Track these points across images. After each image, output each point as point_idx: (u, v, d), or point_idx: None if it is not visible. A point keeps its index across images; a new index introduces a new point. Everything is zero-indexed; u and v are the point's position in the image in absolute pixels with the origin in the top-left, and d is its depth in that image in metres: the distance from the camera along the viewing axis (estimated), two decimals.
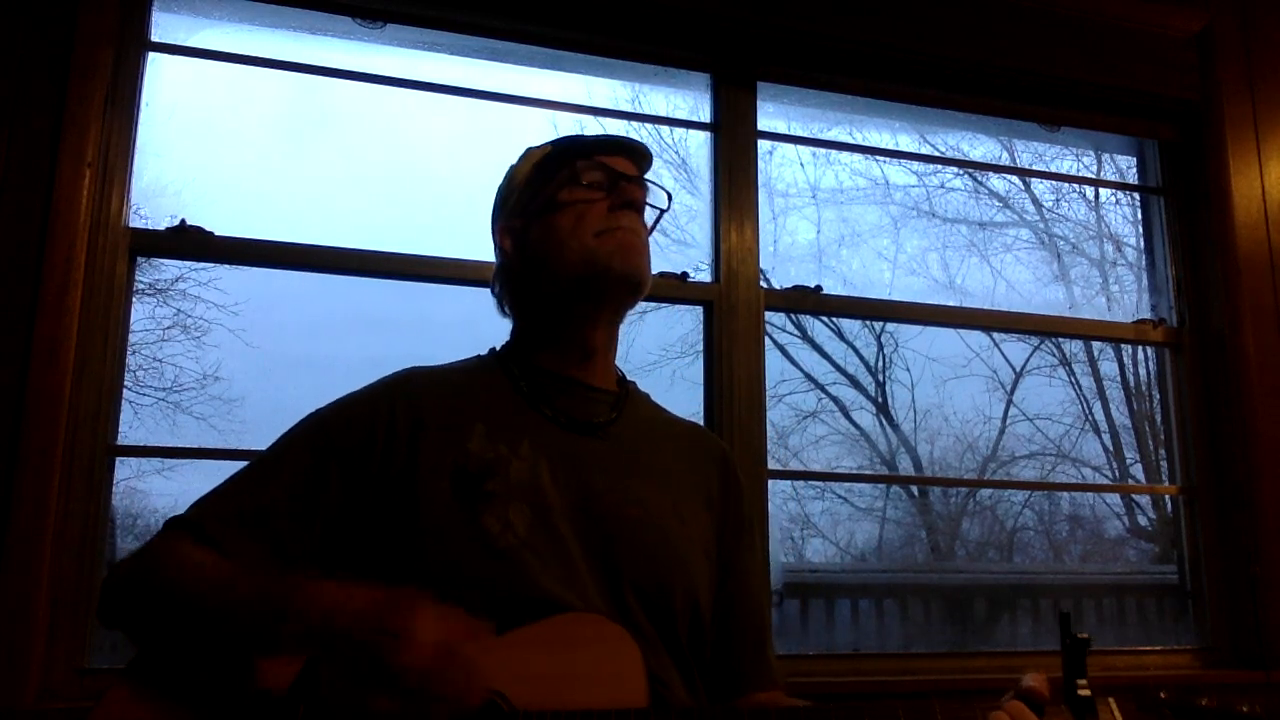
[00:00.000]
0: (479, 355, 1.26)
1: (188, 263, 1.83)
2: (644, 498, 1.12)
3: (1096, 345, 3.18)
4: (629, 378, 1.28)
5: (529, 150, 1.27)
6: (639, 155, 1.23)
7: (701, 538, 1.17)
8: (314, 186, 1.97)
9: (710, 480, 1.23)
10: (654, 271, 1.23)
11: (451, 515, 1.05)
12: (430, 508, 1.05)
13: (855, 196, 2.44)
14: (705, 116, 2.13)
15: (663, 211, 1.26)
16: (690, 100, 2.17)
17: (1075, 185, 2.77)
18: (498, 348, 1.25)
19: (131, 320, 1.73)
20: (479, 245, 1.89)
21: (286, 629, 0.89)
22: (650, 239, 1.24)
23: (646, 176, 1.24)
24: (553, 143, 1.25)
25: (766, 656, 1.20)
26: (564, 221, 1.16)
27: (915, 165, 2.48)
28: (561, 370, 1.18)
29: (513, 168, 1.28)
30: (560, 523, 1.07)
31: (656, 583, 1.08)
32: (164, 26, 1.83)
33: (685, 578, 1.11)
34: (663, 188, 1.25)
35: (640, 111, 2.17)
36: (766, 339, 2.02)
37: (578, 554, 1.06)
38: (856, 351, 3.29)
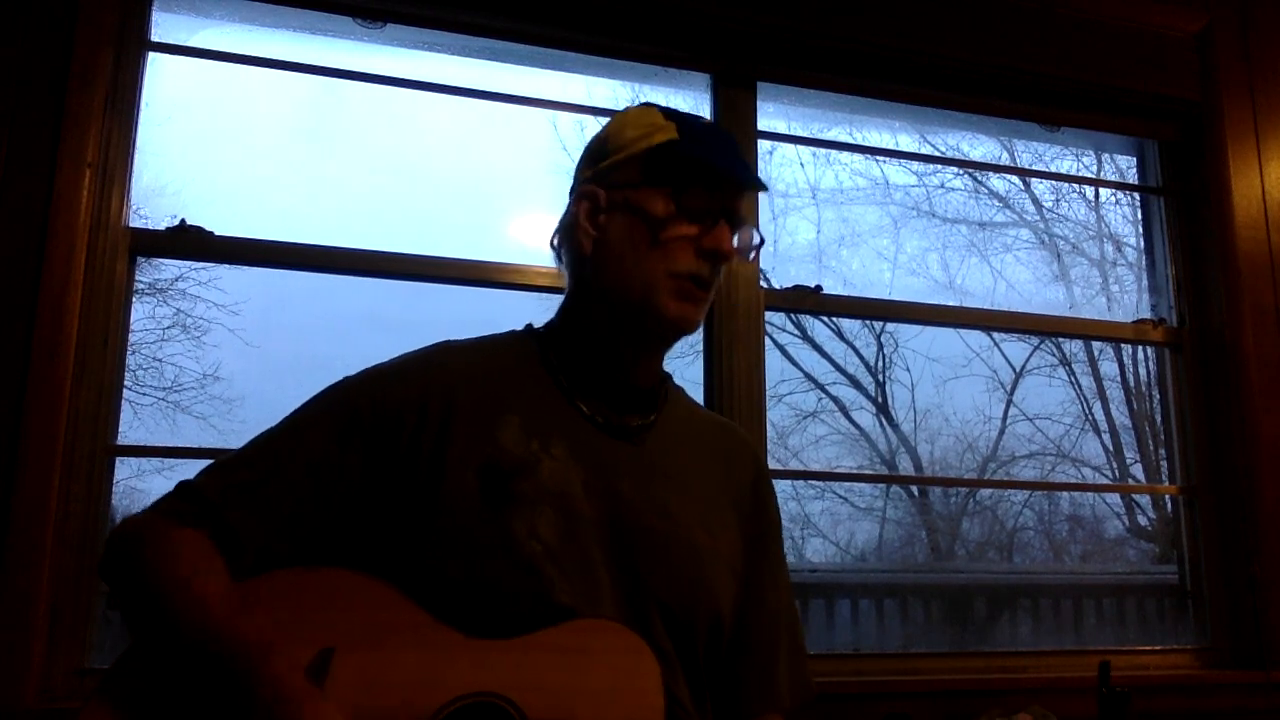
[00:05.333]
0: (514, 331, 1.19)
1: (188, 263, 1.83)
2: (674, 510, 1.08)
3: (1096, 345, 3.18)
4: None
5: (649, 110, 1.13)
6: (751, 191, 1.15)
7: (729, 551, 1.12)
8: (314, 186, 1.97)
9: (742, 488, 1.18)
10: None
11: (477, 515, 1.00)
12: (455, 504, 1.00)
13: (855, 196, 2.44)
14: (705, 116, 2.12)
15: (737, 253, 1.13)
16: (690, 100, 2.17)
17: (1075, 185, 2.77)
18: (536, 326, 1.19)
19: (131, 320, 1.73)
20: (479, 245, 1.91)
21: (235, 700, 0.85)
22: None
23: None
24: (680, 133, 1.10)
25: (775, 676, 1.15)
26: (647, 243, 1.06)
27: (915, 165, 2.48)
28: (603, 371, 1.12)
29: (622, 120, 1.14)
30: (588, 534, 1.02)
31: (681, 601, 1.04)
32: (164, 26, 1.83)
33: (711, 596, 1.07)
34: (759, 232, 1.17)
35: None
36: (766, 339, 2.02)
37: (602, 568, 1.02)
38: (856, 351, 3.29)
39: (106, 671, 0.95)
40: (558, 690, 0.93)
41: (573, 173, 1.18)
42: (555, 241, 1.16)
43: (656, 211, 1.07)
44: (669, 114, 1.13)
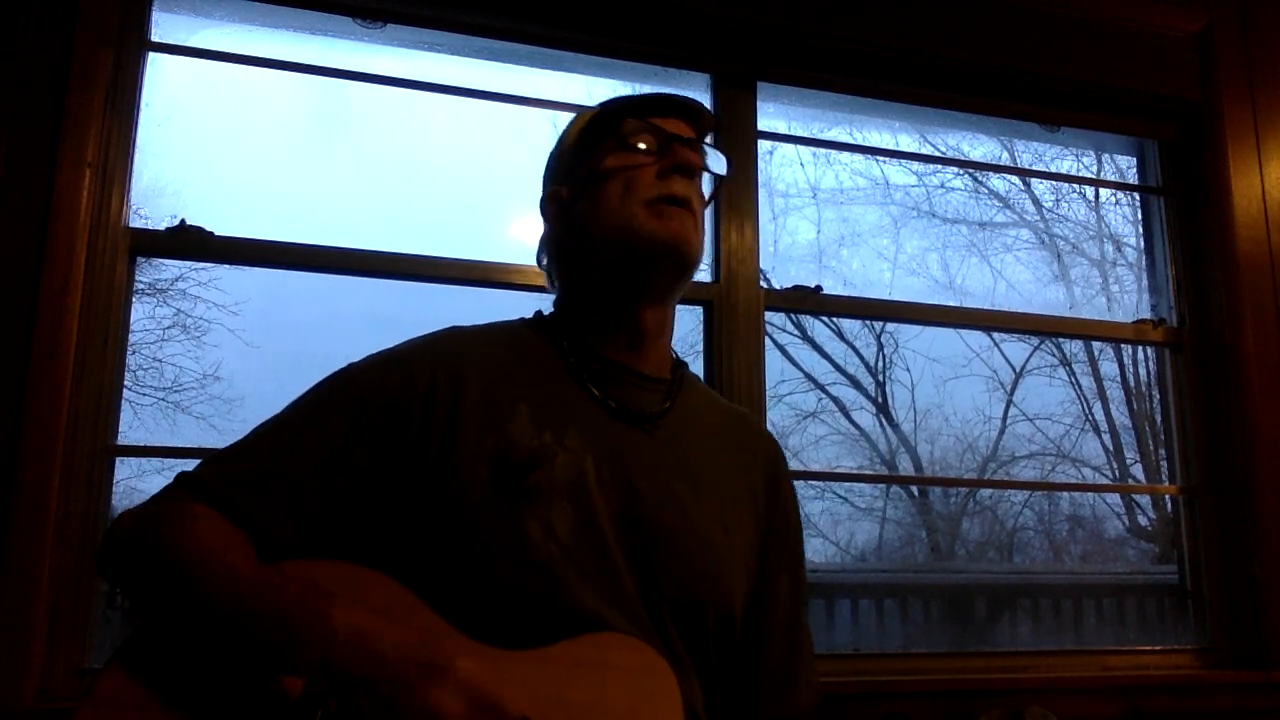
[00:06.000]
0: (523, 318, 1.16)
1: (188, 263, 1.83)
2: (689, 505, 1.05)
3: (1096, 345, 3.18)
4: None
5: (580, 112, 1.18)
6: (696, 116, 1.12)
7: (743, 549, 1.09)
8: (314, 186, 1.97)
9: (759, 482, 1.15)
10: None
11: (489, 511, 0.96)
12: (467, 498, 0.97)
13: (855, 196, 2.44)
14: None
15: (721, 179, 1.15)
16: None
17: (1075, 185, 2.77)
18: (543, 312, 1.16)
19: (131, 320, 1.73)
20: (479, 245, 1.91)
21: (306, 656, 0.82)
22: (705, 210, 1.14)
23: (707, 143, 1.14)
24: (602, 104, 1.15)
25: (788, 680, 1.13)
26: (611, 189, 1.07)
27: (915, 165, 2.48)
28: (611, 355, 1.09)
29: (563, 131, 1.19)
30: (605, 529, 0.99)
31: (693, 600, 1.01)
32: (164, 26, 1.83)
33: (723, 595, 1.04)
34: (721, 151, 1.14)
35: None
36: (766, 339, 2.02)
37: (622, 565, 0.99)
38: (856, 351, 3.29)
39: (101, 670, 0.92)
40: (575, 707, 0.90)
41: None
42: (542, 261, 1.19)
43: (610, 162, 1.09)
44: (604, 102, 1.17)
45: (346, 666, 0.81)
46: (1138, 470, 3.13)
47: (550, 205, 1.15)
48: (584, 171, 1.11)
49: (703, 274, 2.03)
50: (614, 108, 1.13)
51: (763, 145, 2.14)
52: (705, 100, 2.12)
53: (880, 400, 3.28)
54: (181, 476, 0.98)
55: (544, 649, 0.93)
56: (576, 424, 1.04)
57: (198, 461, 1.00)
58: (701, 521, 1.05)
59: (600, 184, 1.08)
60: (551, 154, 1.20)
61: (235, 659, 0.86)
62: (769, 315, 2.06)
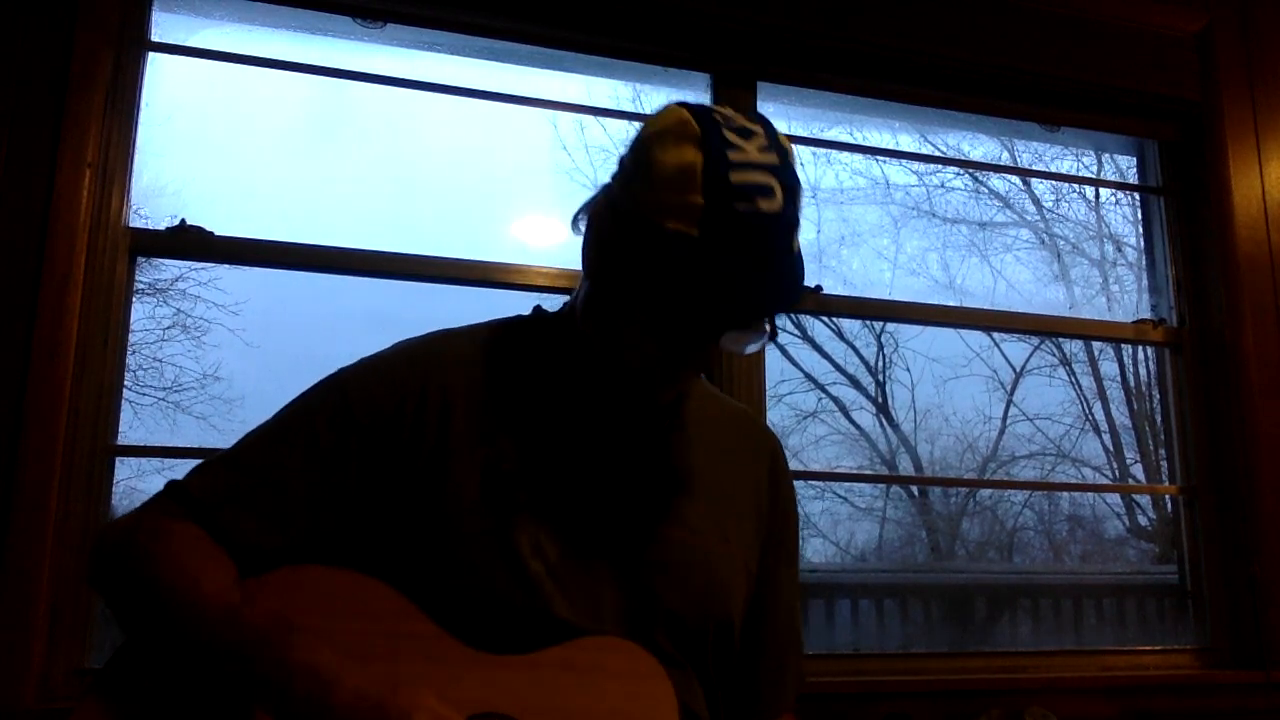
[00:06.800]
0: (520, 316, 1.12)
1: (188, 263, 1.83)
2: (687, 516, 1.03)
3: (1096, 345, 3.18)
4: None
5: (682, 147, 0.93)
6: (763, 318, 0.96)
7: (744, 553, 1.08)
8: (314, 186, 1.97)
9: (760, 485, 1.13)
10: None
11: (479, 523, 0.95)
12: (458, 508, 0.96)
13: (855, 196, 2.44)
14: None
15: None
16: (690, 100, 2.17)
17: (1075, 185, 2.77)
18: (544, 308, 1.12)
19: (131, 320, 1.73)
20: (479, 245, 1.91)
21: (265, 697, 0.83)
22: None
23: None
24: (701, 229, 0.90)
25: (785, 678, 1.12)
26: (611, 326, 0.98)
27: (915, 165, 2.48)
28: (604, 381, 1.04)
29: (654, 147, 0.94)
30: (594, 546, 0.97)
31: (692, 610, 1.00)
32: (164, 26, 1.83)
33: (723, 604, 1.03)
34: (761, 335, 0.97)
35: (640, 111, 2.17)
36: None
37: (609, 581, 0.97)
38: (857, 351, 3.28)
39: (99, 670, 0.93)
40: (570, 712, 0.89)
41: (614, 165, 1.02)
42: (577, 221, 1.04)
43: (621, 316, 0.96)
44: (706, 173, 0.93)
45: (300, 715, 0.82)
46: (1138, 470, 3.13)
47: (587, 222, 1.01)
48: (622, 267, 0.95)
49: None
50: (685, 298, 0.91)
51: None
52: (705, 100, 2.12)
53: (880, 400, 3.28)
54: (170, 486, 0.97)
55: (537, 654, 0.92)
56: (568, 436, 1.02)
57: (195, 463, 1.00)
58: (702, 531, 1.03)
59: (605, 303, 0.98)
60: (632, 160, 0.97)
61: (209, 683, 0.87)
62: None
